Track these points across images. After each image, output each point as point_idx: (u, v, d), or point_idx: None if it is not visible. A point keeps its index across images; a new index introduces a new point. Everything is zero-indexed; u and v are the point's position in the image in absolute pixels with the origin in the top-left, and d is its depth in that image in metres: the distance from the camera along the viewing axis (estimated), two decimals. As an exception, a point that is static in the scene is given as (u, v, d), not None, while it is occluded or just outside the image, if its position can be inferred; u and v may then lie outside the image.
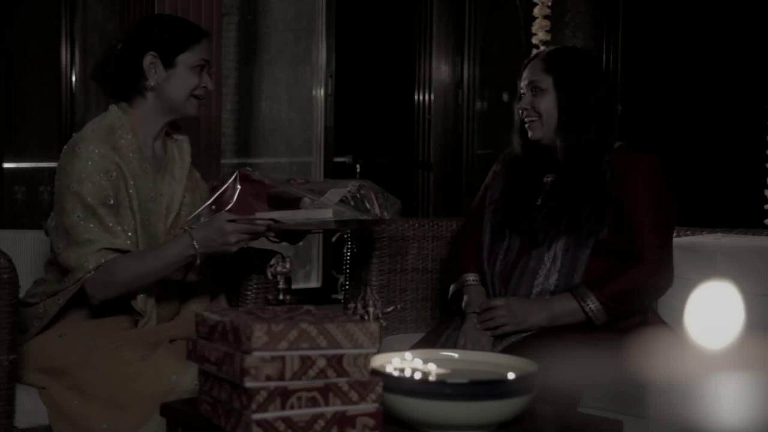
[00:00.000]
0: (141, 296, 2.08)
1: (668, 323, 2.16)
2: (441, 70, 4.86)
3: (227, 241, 1.99)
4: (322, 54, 4.54)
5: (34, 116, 3.99)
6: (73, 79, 3.90)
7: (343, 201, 2.09)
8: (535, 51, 4.43)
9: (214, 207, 2.04)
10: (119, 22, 3.66)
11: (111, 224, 2.01)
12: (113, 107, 2.14)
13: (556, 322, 2.10)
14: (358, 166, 4.28)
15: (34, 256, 2.41)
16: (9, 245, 2.20)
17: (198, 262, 2.02)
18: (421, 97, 4.85)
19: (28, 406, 1.98)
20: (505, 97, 4.95)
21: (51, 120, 3.94)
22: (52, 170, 3.99)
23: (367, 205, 2.10)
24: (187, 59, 2.12)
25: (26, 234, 2.53)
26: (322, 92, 4.55)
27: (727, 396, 0.54)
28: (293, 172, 4.59)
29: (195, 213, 2.09)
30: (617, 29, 4.36)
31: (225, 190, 2.04)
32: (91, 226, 2.00)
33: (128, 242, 2.03)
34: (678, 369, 0.55)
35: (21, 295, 2.12)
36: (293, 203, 2.09)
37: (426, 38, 4.83)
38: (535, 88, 2.21)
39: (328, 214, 2.05)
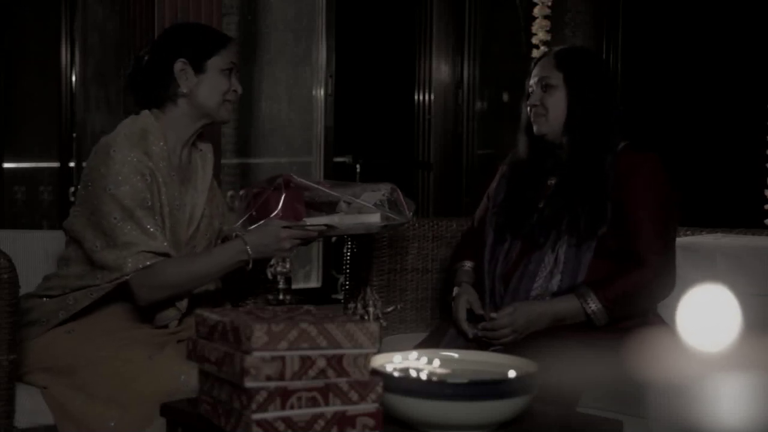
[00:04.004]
0: (185, 300, 2.11)
1: (669, 323, 2.16)
2: (441, 70, 4.86)
3: (282, 247, 2.05)
4: (322, 54, 4.54)
5: (34, 116, 4.00)
6: (73, 79, 3.91)
7: (377, 204, 2.13)
8: (535, 51, 4.43)
9: (254, 213, 2.08)
10: (119, 22, 3.66)
11: (149, 226, 2.02)
12: (146, 112, 2.15)
13: (559, 323, 2.10)
14: (358, 166, 4.28)
15: (33, 256, 2.41)
16: (9, 245, 2.20)
17: (250, 267, 2.06)
18: (421, 97, 4.85)
19: (28, 406, 1.98)
20: (505, 97, 4.96)
21: (51, 120, 3.95)
22: (52, 170, 4.02)
23: (400, 208, 2.15)
24: (216, 63, 2.15)
25: (26, 234, 2.53)
26: (322, 92, 4.55)
27: (726, 396, 0.54)
28: (293, 172, 4.59)
29: (241, 220, 2.13)
30: (617, 29, 4.36)
31: (270, 196, 2.09)
32: (129, 228, 2.01)
33: (165, 244, 2.03)
34: (678, 369, 0.55)
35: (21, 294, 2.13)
36: (329, 207, 2.13)
37: (426, 38, 4.83)
38: (545, 84, 2.21)
39: (376, 219, 2.11)
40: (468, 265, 2.34)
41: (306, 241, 2.11)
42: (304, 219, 2.09)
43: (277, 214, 2.06)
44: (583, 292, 2.08)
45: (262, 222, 2.07)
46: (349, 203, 2.13)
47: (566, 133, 2.20)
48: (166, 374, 1.91)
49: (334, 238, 4.20)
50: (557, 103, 2.20)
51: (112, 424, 1.91)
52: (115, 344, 2.02)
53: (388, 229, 2.23)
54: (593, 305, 2.07)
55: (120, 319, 2.11)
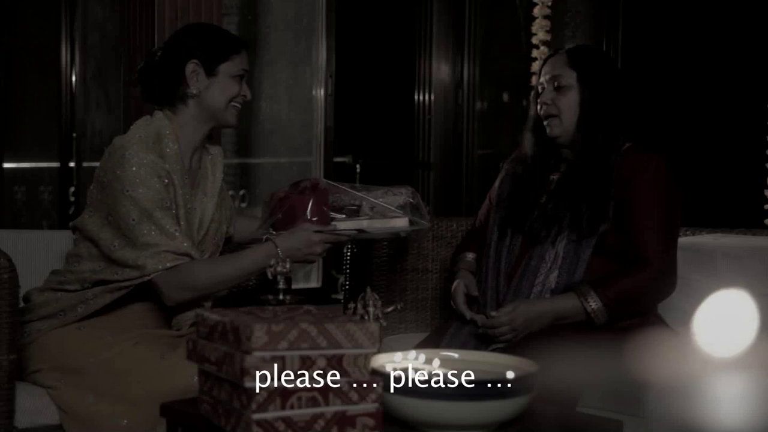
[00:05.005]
0: (210, 301, 2.13)
1: (668, 323, 2.16)
2: (441, 70, 4.86)
3: (313, 251, 2.09)
4: (322, 54, 4.54)
5: (34, 116, 4.00)
6: (73, 79, 3.91)
7: (399, 208, 2.17)
8: (535, 51, 4.44)
9: (281, 216, 2.10)
10: (119, 22, 3.66)
11: (167, 226, 2.02)
12: (159, 113, 2.15)
13: (560, 321, 2.10)
14: (358, 166, 4.28)
15: (33, 256, 2.41)
16: (9, 245, 2.20)
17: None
18: (421, 97, 4.85)
19: (28, 406, 1.98)
20: (505, 97, 4.96)
21: (51, 120, 3.95)
22: (52, 170, 4.02)
23: (421, 212, 2.19)
24: (228, 68, 2.16)
25: (26, 234, 2.53)
26: (322, 92, 4.55)
27: (726, 396, 0.54)
28: (293, 172, 4.60)
29: (266, 223, 2.16)
30: (617, 29, 4.36)
31: (296, 199, 2.12)
32: (148, 229, 2.00)
33: (185, 244, 2.03)
34: (678, 369, 0.55)
35: (29, 288, 2.13)
36: (352, 210, 2.19)
37: (426, 38, 4.83)
38: (557, 83, 2.20)
39: (404, 223, 2.16)
40: (470, 256, 2.37)
41: (335, 245, 2.15)
42: (335, 223, 2.13)
43: (306, 218, 2.09)
44: (584, 290, 2.08)
45: (298, 228, 2.09)
46: (372, 207, 2.15)
47: (579, 132, 2.19)
48: (178, 374, 1.91)
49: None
50: (570, 104, 2.19)
51: (125, 422, 1.92)
52: (126, 343, 2.02)
53: (413, 233, 2.27)
54: (593, 303, 2.07)
55: (132, 318, 2.11)
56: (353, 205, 2.18)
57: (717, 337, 0.56)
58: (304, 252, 2.09)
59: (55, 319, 2.08)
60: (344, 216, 2.17)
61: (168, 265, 2.00)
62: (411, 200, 2.21)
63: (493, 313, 2.11)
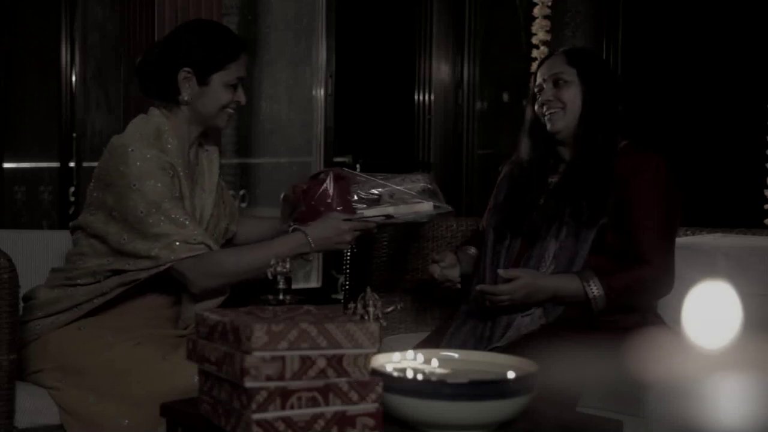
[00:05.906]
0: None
1: (668, 323, 2.16)
2: (441, 70, 4.86)
3: (343, 239, 2.12)
4: (322, 54, 4.54)
5: (34, 116, 4.00)
6: (73, 79, 3.91)
7: (419, 194, 2.21)
8: (535, 51, 4.44)
9: (304, 208, 2.12)
10: (119, 22, 3.66)
11: (177, 216, 2.02)
12: (155, 110, 2.15)
13: (558, 300, 2.11)
14: (358, 166, 4.29)
15: (33, 256, 2.41)
16: (9, 245, 2.20)
17: (310, 259, 2.14)
18: (421, 97, 4.85)
19: (28, 406, 1.98)
20: (505, 97, 4.95)
21: (51, 120, 3.95)
22: (52, 170, 4.02)
23: (439, 197, 2.22)
24: (222, 77, 2.13)
25: (26, 234, 2.53)
26: (322, 92, 4.54)
27: (726, 396, 0.54)
28: (293, 172, 4.60)
29: (292, 214, 2.18)
30: (617, 29, 4.36)
31: (320, 191, 2.15)
32: (156, 220, 2.00)
33: (196, 232, 2.03)
34: (678, 369, 0.55)
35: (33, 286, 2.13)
36: (371, 200, 2.22)
37: (426, 38, 4.83)
38: (558, 80, 2.21)
39: (428, 207, 2.20)
40: (471, 250, 2.39)
41: (364, 233, 2.17)
42: (361, 211, 2.16)
43: (332, 208, 2.12)
44: (587, 275, 2.09)
45: (328, 217, 2.12)
46: (392, 195, 2.18)
47: (581, 128, 2.19)
48: (179, 374, 1.91)
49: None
50: (573, 97, 2.20)
51: (126, 422, 1.92)
52: (127, 343, 2.02)
53: (436, 217, 2.32)
54: (596, 290, 2.08)
55: (135, 316, 2.11)
56: (373, 195, 2.20)
57: (702, 329, 0.56)
58: (335, 240, 2.11)
59: (69, 312, 2.07)
60: (365, 206, 2.19)
61: (182, 256, 2.00)
62: (429, 186, 2.23)
63: (500, 271, 2.12)
